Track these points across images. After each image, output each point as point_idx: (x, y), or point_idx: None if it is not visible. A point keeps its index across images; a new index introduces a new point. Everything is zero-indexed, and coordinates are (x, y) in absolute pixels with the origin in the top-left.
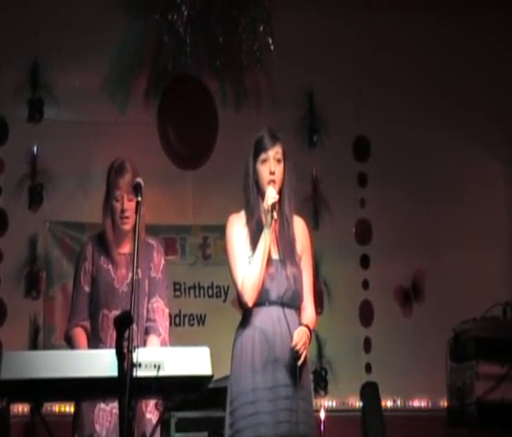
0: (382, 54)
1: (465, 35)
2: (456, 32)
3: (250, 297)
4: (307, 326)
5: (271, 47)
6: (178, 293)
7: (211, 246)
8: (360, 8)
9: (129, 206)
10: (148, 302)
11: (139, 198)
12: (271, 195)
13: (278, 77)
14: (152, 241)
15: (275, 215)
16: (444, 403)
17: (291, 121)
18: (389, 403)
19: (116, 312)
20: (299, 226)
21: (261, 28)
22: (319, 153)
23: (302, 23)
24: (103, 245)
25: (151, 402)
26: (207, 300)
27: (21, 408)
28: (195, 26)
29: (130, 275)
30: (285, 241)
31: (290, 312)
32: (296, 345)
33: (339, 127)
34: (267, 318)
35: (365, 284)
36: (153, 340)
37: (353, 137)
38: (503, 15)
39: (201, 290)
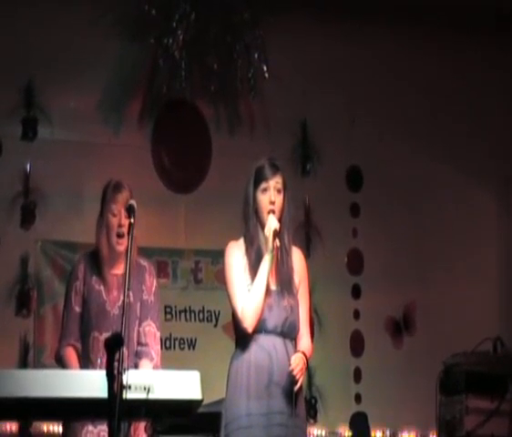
0: (375, 84)
1: (459, 67)
2: (451, 63)
3: (249, 323)
4: (303, 353)
5: (266, 75)
6: (168, 316)
7: (203, 270)
8: (354, 38)
9: (126, 223)
10: (140, 326)
11: (132, 220)
12: (274, 222)
13: (272, 105)
14: (144, 263)
15: (278, 242)
16: (433, 436)
17: (284, 149)
18: (378, 434)
19: (107, 335)
20: (296, 256)
21: (256, 55)
22: (312, 182)
23: (296, 51)
24: (96, 264)
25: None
26: (198, 325)
27: (9, 426)
28: (190, 51)
29: (122, 297)
30: (284, 272)
31: (286, 342)
32: (293, 370)
33: (332, 157)
34: (263, 346)
35: (356, 314)
36: (146, 364)
37: (347, 167)
38: (499, 51)
39: (192, 314)
